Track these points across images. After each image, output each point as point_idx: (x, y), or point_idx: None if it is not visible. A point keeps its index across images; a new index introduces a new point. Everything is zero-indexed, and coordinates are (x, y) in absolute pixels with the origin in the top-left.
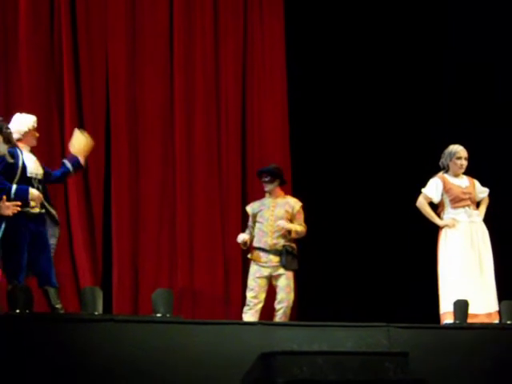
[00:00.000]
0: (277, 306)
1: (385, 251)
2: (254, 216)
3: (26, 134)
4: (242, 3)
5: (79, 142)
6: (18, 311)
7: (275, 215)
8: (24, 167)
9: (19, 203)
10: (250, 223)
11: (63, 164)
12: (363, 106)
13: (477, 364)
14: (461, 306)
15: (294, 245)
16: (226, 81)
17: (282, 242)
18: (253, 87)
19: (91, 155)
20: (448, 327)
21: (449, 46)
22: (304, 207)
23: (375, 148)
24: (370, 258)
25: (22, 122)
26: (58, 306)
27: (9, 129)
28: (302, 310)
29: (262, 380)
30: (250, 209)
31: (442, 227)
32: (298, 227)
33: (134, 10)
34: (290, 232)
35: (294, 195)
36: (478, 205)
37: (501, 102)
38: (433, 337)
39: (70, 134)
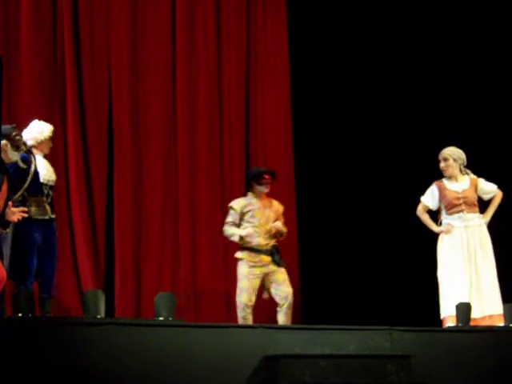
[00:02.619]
0: (281, 302)
1: (387, 254)
2: (243, 214)
3: (41, 143)
4: (245, 4)
5: None
6: (20, 315)
7: (266, 216)
8: (36, 173)
9: (25, 209)
10: (233, 220)
11: None
12: (366, 107)
13: (480, 367)
14: (463, 309)
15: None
16: (228, 82)
17: (271, 242)
18: (256, 88)
19: (94, 158)
20: (451, 330)
21: (449, 50)
22: (306, 209)
23: (378, 150)
24: (373, 261)
25: (40, 131)
26: (48, 315)
27: (19, 135)
28: (304, 312)
29: (265, 383)
30: (238, 207)
31: (439, 233)
32: (284, 229)
33: (137, 13)
34: (281, 234)
35: (297, 196)
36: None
37: (502, 102)
38: (435, 340)
39: (73, 138)
